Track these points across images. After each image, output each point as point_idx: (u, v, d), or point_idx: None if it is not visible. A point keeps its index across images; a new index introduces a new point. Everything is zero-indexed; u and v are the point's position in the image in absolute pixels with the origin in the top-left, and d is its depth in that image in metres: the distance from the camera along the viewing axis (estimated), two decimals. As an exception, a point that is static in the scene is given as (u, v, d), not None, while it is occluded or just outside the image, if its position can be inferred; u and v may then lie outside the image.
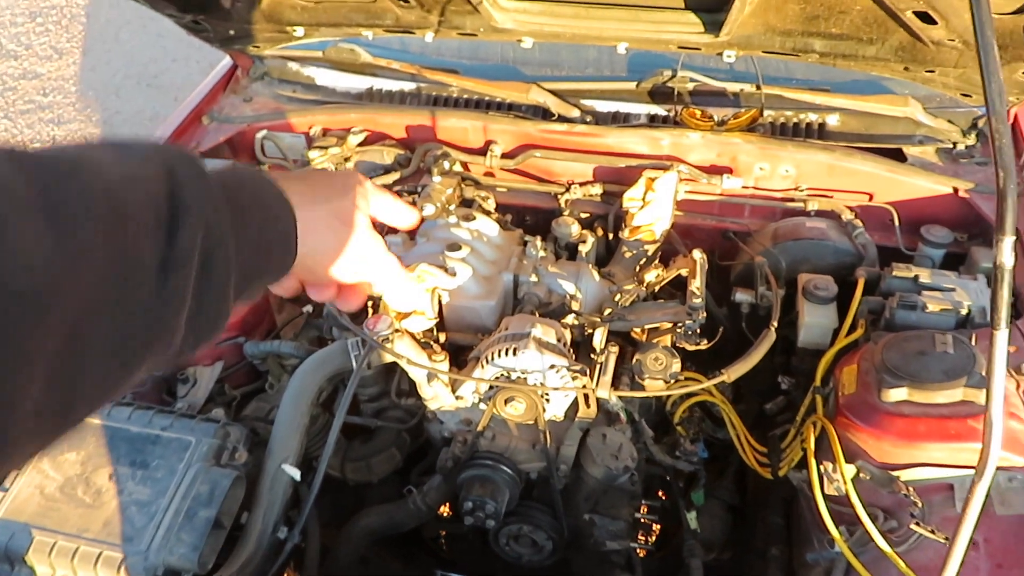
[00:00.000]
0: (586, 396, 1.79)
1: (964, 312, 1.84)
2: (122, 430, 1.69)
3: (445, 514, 2.29)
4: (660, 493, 2.30)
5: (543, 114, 2.40)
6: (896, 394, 1.65)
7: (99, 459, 1.65)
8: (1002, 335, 1.05)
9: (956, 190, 2.14)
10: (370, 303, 2.00)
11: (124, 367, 0.63)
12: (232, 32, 2.40)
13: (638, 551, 2.13)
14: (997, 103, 0.88)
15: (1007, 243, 0.99)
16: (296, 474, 1.74)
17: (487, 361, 1.77)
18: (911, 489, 1.60)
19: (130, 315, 0.61)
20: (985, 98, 0.87)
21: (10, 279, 0.51)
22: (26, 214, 0.54)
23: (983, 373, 1.62)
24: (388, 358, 1.79)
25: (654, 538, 2.39)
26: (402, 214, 1.13)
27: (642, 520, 2.16)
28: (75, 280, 0.56)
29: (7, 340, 0.50)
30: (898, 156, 2.24)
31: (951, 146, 2.24)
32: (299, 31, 2.38)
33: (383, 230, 2.30)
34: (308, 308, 2.19)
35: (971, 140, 2.23)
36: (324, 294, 1.03)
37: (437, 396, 1.86)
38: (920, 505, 1.58)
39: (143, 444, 1.67)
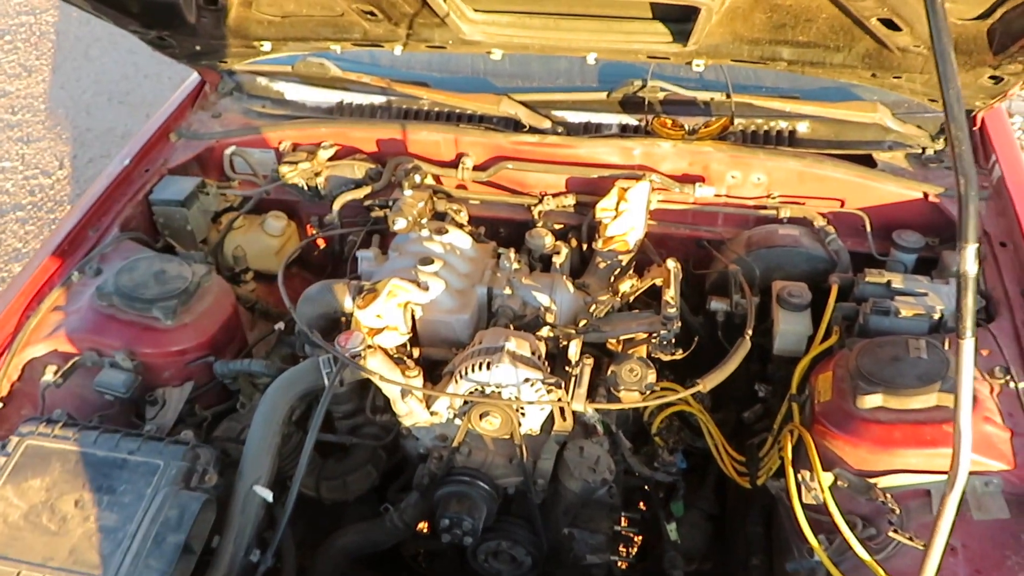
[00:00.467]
0: (562, 409, 1.77)
1: (937, 317, 1.84)
2: (88, 454, 1.65)
3: (423, 531, 2.26)
4: (641, 504, 2.28)
5: (514, 126, 2.39)
6: (871, 400, 1.64)
7: (64, 485, 1.61)
8: (968, 344, 1.04)
9: (926, 195, 2.15)
10: (343, 319, 1.98)
11: None
12: (198, 48, 2.37)
13: (619, 564, 2.11)
14: (955, 109, 0.87)
15: (970, 251, 0.98)
16: (268, 495, 1.70)
17: (461, 376, 1.75)
18: (889, 496, 1.59)
19: None
20: (943, 104, 0.86)
21: None
22: None
23: (956, 377, 1.62)
24: (361, 374, 1.76)
25: (635, 550, 2.37)
26: None
27: (622, 532, 2.14)
28: None
29: None
30: (868, 162, 2.25)
31: (920, 151, 2.25)
32: (266, 46, 2.36)
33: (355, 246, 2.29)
34: (280, 325, 2.15)
35: (940, 145, 2.25)
36: None
37: (412, 412, 1.83)
38: (898, 512, 1.57)
39: (110, 468, 1.63)
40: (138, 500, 1.57)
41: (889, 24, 1.75)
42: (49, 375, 1.86)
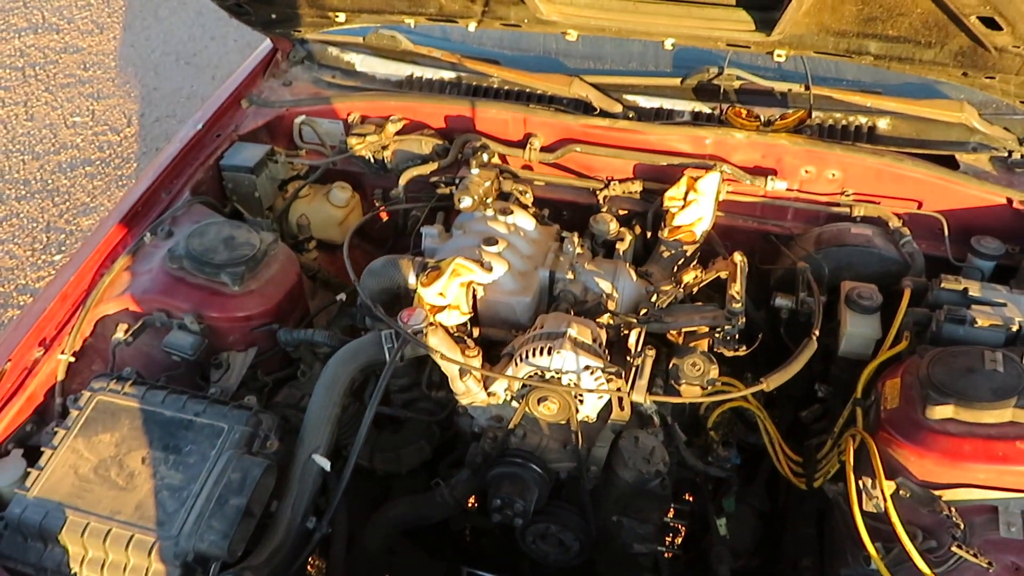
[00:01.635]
0: (620, 399, 1.76)
1: (1015, 328, 1.78)
2: (156, 413, 1.69)
3: (472, 508, 2.28)
4: (688, 496, 2.27)
5: (584, 108, 2.36)
6: (941, 411, 1.60)
7: (133, 442, 1.65)
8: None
9: (1010, 200, 2.07)
10: (405, 294, 1.99)
11: None
12: (274, 16, 2.38)
13: (665, 554, 2.10)
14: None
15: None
16: (326, 465, 1.73)
17: (521, 359, 1.75)
18: (953, 510, 1.55)
19: None
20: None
21: None
22: None
23: (1035, 394, 1.57)
24: (421, 350, 1.77)
25: (680, 541, 2.36)
26: None
27: (670, 524, 2.13)
28: None
29: None
30: (950, 163, 2.17)
31: (1006, 154, 2.16)
32: (341, 17, 2.35)
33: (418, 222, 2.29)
34: (342, 296, 2.18)
35: (1027, 149, 2.16)
36: None
37: (469, 391, 1.84)
38: (962, 527, 1.53)
39: (176, 428, 1.67)
40: (203, 461, 1.61)
41: (989, 23, 1.68)
42: (120, 333, 1.91)
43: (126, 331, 1.91)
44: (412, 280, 1.94)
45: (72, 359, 1.89)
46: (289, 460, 1.73)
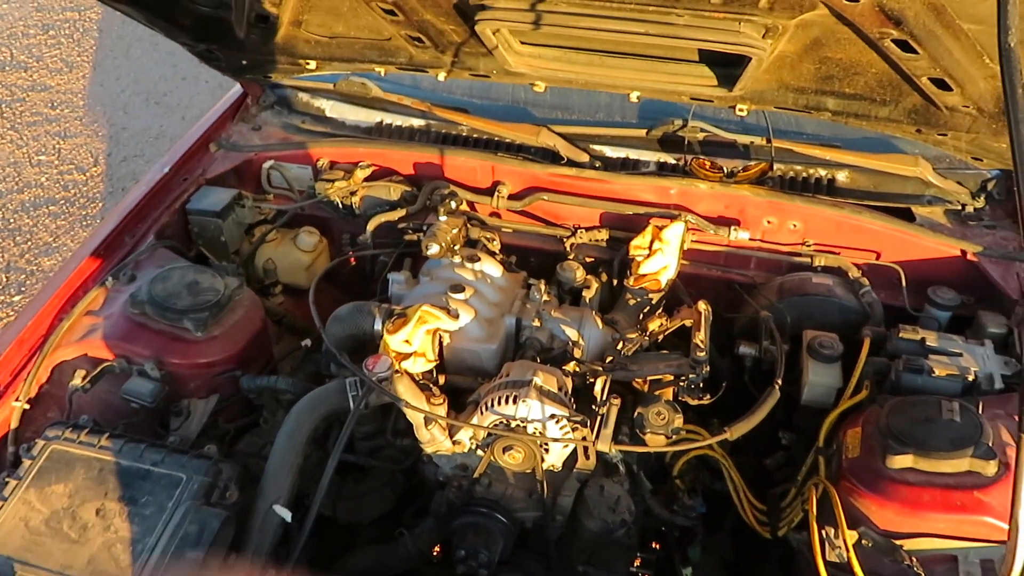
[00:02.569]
0: (586, 448, 1.76)
1: (971, 378, 1.82)
2: (112, 463, 1.66)
3: (436, 558, 2.24)
4: (655, 544, 2.26)
5: (552, 157, 2.40)
6: (901, 461, 1.62)
7: (87, 492, 1.61)
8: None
9: (964, 252, 2.13)
10: (371, 341, 1.98)
11: None
12: (244, 62, 2.40)
13: (631, 605, 2.08)
14: None
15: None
16: (287, 515, 1.70)
17: (487, 408, 1.74)
18: (914, 559, 1.57)
19: None
20: (1014, 164, 0.85)
21: None
22: None
23: (990, 444, 1.60)
24: (386, 398, 1.76)
25: (647, 590, 2.34)
26: None
27: (637, 573, 2.11)
28: None
29: None
30: (907, 215, 2.23)
31: (960, 207, 2.23)
32: (312, 64, 2.38)
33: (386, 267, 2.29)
34: (307, 342, 2.16)
35: (980, 203, 2.23)
36: None
37: (434, 440, 1.82)
38: (923, 576, 1.55)
39: (133, 479, 1.63)
40: (159, 513, 1.58)
41: (940, 84, 1.74)
42: (77, 379, 1.87)
43: (84, 377, 1.87)
44: (378, 326, 1.94)
45: (27, 406, 1.85)
46: (249, 510, 1.70)
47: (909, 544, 1.60)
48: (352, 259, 2.49)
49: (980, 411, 1.68)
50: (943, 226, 2.20)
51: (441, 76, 2.26)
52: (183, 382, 1.92)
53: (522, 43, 2.07)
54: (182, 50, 2.38)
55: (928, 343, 1.91)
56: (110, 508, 1.59)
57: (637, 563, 2.13)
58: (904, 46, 1.65)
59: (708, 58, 1.98)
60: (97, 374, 1.88)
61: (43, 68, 6.19)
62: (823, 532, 1.67)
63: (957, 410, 1.68)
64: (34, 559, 1.51)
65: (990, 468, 1.58)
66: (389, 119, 2.58)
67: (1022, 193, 0.86)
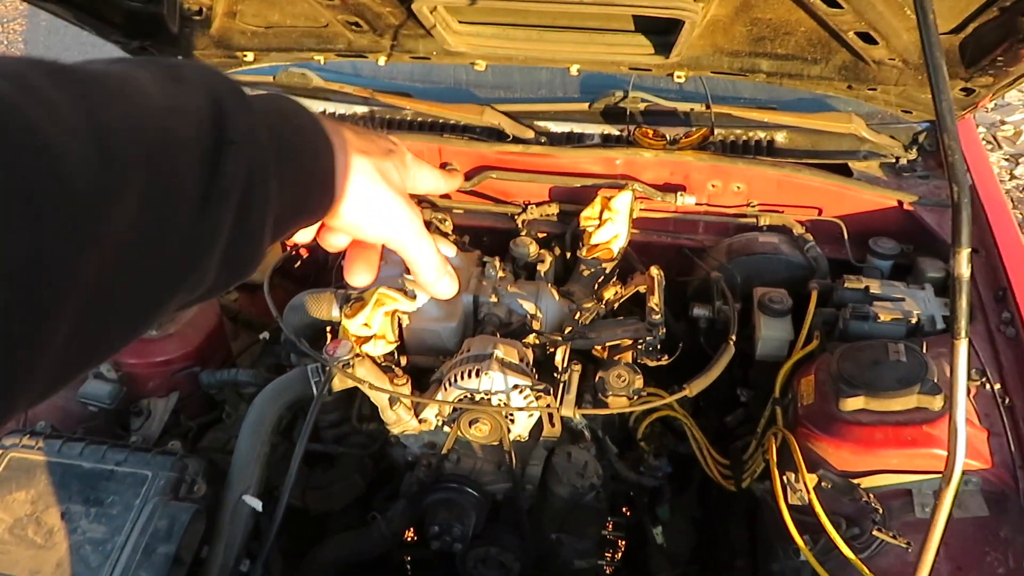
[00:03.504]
0: (550, 415, 1.79)
1: (914, 321, 1.89)
2: (74, 466, 1.63)
3: (410, 539, 2.26)
4: (625, 509, 2.30)
5: (498, 136, 2.41)
6: (853, 403, 1.68)
7: (50, 498, 1.59)
8: (963, 345, 1.08)
9: (901, 203, 2.21)
10: (328, 328, 1.98)
11: (156, 300, 0.61)
12: (180, 57, 2.36)
13: (606, 568, 2.13)
14: (948, 120, 0.91)
15: (964, 255, 1.02)
16: (257, 505, 1.70)
17: (450, 383, 1.76)
18: (871, 496, 1.63)
19: (167, 247, 0.59)
20: (936, 115, 0.90)
21: (53, 203, 0.48)
22: (71, 135, 0.50)
23: (935, 380, 1.67)
24: (349, 383, 1.77)
25: (620, 555, 2.39)
26: (443, 181, 1.06)
27: (608, 537, 2.16)
28: (119, 207, 0.53)
29: (48, 264, 0.48)
30: (844, 171, 2.30)
31: (894, 160, 2.31)
32: (249, 56, 2.36)
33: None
34: (265, 335, 2.15)
35: (912, 155, 2.31)
36: (338, 244, 0.95)
37: (400, 420, 1.84)
38: (881, 511, 1.61)
39: (97, 480, 1.61)
40: (127, 511, 1.56)
41: (866, 38, 1.80)
42: (31, 387, 1.84)
43: (38, 384, 1.84)
44: (336, 312, 1.94)
45: (-20, 417, 1.81)
46: (218, 504, 1.69)
47: (866, 482, 1.66)
48: (304, 251, 2.48)
49: (924, 350, 1.75)
50: (879, 179, 2.28)
51: (381, 61, 2.26)
52: (141, 382, 1.90)
53: (460, 22, 2.08)
54: (116, 55, 2.34)
55: (872, 291, 1.98)
56: (75, 511, 1.57)
57: (610, 528, 2.18)
58: (829, 1, 1.70)
59: (644, 26, 2.01)
60: (51, 380, 1.84)
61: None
62: (784, 478, 1.72)
63: (903, 351, 1.74)
64: (1, 568, 1.49)
65: (936, 403, 1.65)
66: (332, 108, 2.57)
67: (941, 116, 0.91)
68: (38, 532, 1.54)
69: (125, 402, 1.87)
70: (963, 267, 1.03)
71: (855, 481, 1.66)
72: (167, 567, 1.48)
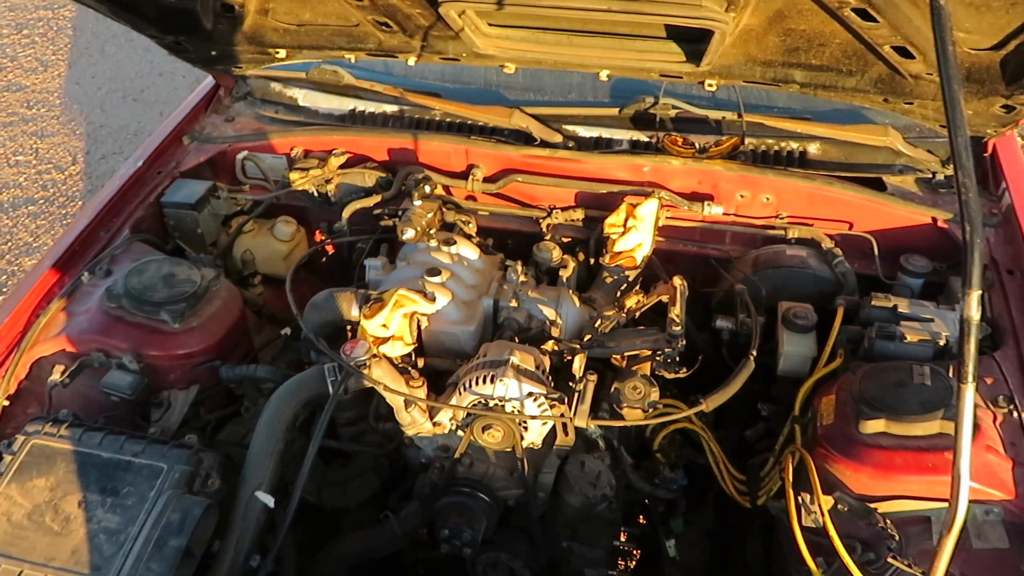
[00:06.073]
0: (564, 424, 1.78)
1: (942, 343, 1.84)
2: (93, 456, 1.66)
3: (423, 540, 2.26)
4: (640, 518, 2.28)
5: (525, 139, 2.40)
6: (874, 426, 1.65)
7: (69, 485, 1.62)
8: (969, 390, 1.04)
9: (935, 220, 2.15)
10: (349, 327, 1.99)
11: None
12: (214, 53, 2.39)
13: (617, 579, 2.11)
14: (963, 156, 0.87)
15: (974, 297, 0.98)
16: (270, 501, 1.71)
17: (465, 388, 1.76)
18: (888, 522, 1.59)
19: None
20: (952, 152, 0.86)
21: None
22: None
23: (960, 405, 1.62)
24: (366, 383, 1.77)
25: (633, 565, 2.37)
26: None
27: (621, 547, 2.14)
28: None
29: None
30: (878, 185, 2.25)
31: (930, 176, 2.25)
32: (282, 53, 2.37)
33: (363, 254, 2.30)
34: (287, 331, 2.17)
35: (950, 170, 2.24)
36: None
37: (414, 422, 1.84)
38: (897, 538, 1.57)
39: (114, 470, 1.64)
40: (141, 503, 1.58)
41: (902, 51, 1.75)
42: (56, 374, 1.88)
43: (63, 372, 1.87)
44: (355, 312, 1.95)
45: (6, 403, 1.85)
46: (232, 498, 1.71)
47: (883, 507, 1.62)
48: (329, 247, 2.50)
49: (951, 374, 1.71)
50: (914, 194, 2.22)
51: (411, 61, 2.26)
52: (162, 374, 1.93)
53: (489, 25, 2.07)
54: (157, 46, 2.37)
55: (900, 310, 1.93)
56: (92, 500, 1.59)
57: (623, 538, 2.16)
58: (864, 15, 1.66)
59: (675, 34, 1.98)
60: (76, 368, 1.88)
61: (18, 68, 6.13)
62: (799, 498, 1.69)
63: (928, 374, 1.70)
64: (17, 552, 1.52)
65: (960, 429, 1.61)
66: (362, 106, 2.58)
67: (957, 153, 0.87)
68: (55, 519, 1.57)
69: (146, 393, 1.90)
70: (973, 309, 1.00)
71: (872, 505, 1.63)
72: (177, 559, 1.50)
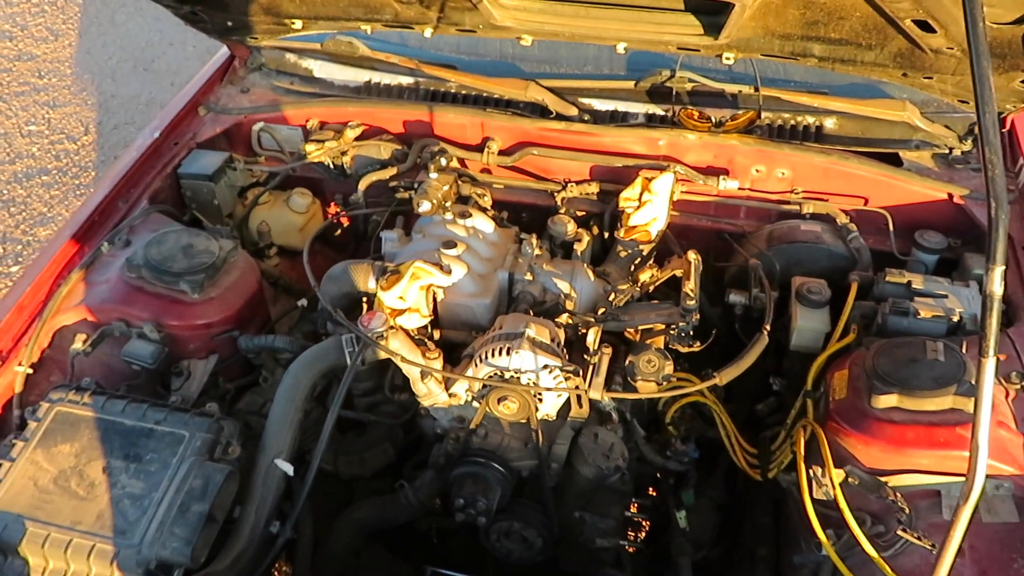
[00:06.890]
0: (579, 396, 1.80)
1: (955, 319, 1.85)
2: (116, 423, 1.69)
3: (437, 509, 2.30)
4: (651, 490, 2.31)
5: (541, 111, 2.40)
6: (886, 400, 1.66)
7: (93, 452, 1.65)
8: (990, 364, 1.05)
9: (951, 196, 2.15)
10: (365, 299, 2.01)
11: None
12: (230, 23, 2.38)
13: (627, 548, 2.14)
14: (991, 133, 0.87)
15: (997, 272, 0.99)
16: (289, 469, 1.74)
17: (481, 360, 1.78)
18: (899, 495, 1.61)
19: None
20: (979, 128, 0.86)
21: None
22: None
23: (972, 381, 1.63)
24: (382, 354, 1.79)
25: (643, 535, 2.40)
26: None
27: (632, 518, 2.17)
28: None
29: None
30: (894, 160, 2.24)
31: (947, 151, 2.24)
32: (297, 23, 2.36)
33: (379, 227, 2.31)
34: (303, 302, 2.19)
35: (967, 146, 2.24)
36: None
37: (430, 393, 1.86)
38: (907, 511, 1.59)
39: (137, 437, 1.67)
40: (164, 469, 1.62)
41: (923, 25, 1.74)
42: (78, 343, 1.90)
43: (84, 341, 1.90)
44: (372, 284, 1.96)
45: (30, 371, 1.88)
46: (252, 466, 1.74)
47: (894, 481, 1.64)
48: (345, 219, 2.51)
49: (964, 350, 1.72)
50: (930, 170, 2.22)
51: (427, 32, 2.25)
52: (182, 343, 1.95)
53: (507, -4, 2.07)
54: (168, 15, 2.37)
55: (914, 286, 1.94)
56: (116, 466, 1.63)
57: (634, 509, 2.19)
58: (886, -12, 1.65)
59: (693, 6, 1.97)
60: (97, 338, 1.91)
61: (28, 37, 6.12)
62: (811, 472, 1.71)
63: (941, 350, 1.71)
64: (44, 516, 1.55)
65: (972, 405, 1.61)
66: (377, 78, 2.57)
67: (985, 129, 0.88)
68: (80, 484, 1.60)
69: (166, 363, 1.93)
70: (996, 284, 1.00)
71: (883, 479, 1.64)
72: (200, 524, 1.54)
